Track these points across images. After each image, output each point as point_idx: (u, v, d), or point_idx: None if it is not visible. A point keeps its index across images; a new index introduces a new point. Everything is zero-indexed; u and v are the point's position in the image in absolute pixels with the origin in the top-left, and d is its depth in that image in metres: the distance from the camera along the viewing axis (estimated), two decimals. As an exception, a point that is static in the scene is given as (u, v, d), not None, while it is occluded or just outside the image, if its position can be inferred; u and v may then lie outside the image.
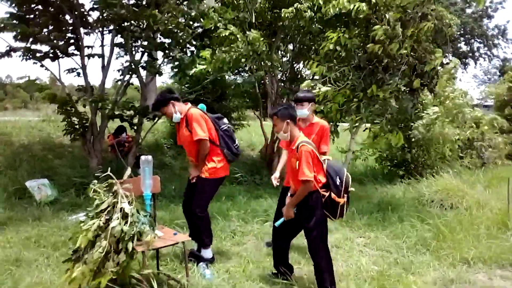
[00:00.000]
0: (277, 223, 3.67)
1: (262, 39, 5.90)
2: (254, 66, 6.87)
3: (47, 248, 4.41)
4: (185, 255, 3.57)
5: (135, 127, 7.11)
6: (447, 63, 7.58)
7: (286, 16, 6.40)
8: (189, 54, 7.62)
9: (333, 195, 3.35)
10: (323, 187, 3.40)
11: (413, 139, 7.98)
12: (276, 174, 4.34)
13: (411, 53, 5.07)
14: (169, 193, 6.67)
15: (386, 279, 3.90)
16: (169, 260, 4.15)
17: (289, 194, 3.64)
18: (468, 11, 27.95)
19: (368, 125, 5.78)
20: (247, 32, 5.63)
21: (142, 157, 3.56)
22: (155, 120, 7.41)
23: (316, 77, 6.97)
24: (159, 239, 3.29)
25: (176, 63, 7.36)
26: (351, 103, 5.31)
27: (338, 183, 3.37)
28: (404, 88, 5.12)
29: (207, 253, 4.12)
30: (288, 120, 3.42)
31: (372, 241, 5.04)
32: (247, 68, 6.93)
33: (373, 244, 4.92)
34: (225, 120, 4.28)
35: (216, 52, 5.93)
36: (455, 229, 5.05)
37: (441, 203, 6.15)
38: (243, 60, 6.01)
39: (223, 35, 5.63)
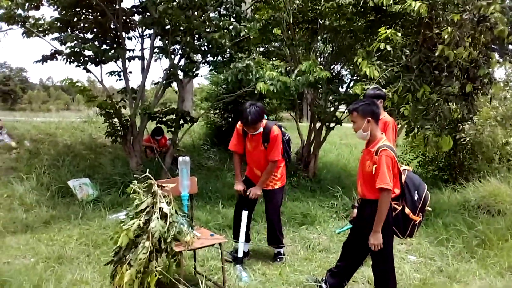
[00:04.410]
0: (338, 230, 3.58)
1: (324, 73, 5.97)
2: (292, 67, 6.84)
3: (88, 246, 4.52)
4: (222, 256, 3.54)
5: (173, 129, 7.22)
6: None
7: (327, 10, 6.28)
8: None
9: (407, 210, 3.06)
10: (395, 199, 3.10)
11: (458, 143, 7.64)
12: None
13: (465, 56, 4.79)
14: (205, 194, 6.71)
15: (429, 287, 3.75)
16: (205, 261, 4.16)
17: (356, 204, 3.32)
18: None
19: (417, 127, 5.55)
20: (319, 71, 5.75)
21: (180, 158, 3.59)
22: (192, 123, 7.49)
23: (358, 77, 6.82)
24: (197, 240, 3.28)
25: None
26: (397, 106, 5.11)
27: (416, 198, 3.07)
28: (456, 92, 4.86)
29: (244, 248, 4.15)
30: (370, 118, 3.09)
31: (415, 247, 4.87)
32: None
33: (416, 251, 4.76)
34: (284, 130, 4.41)
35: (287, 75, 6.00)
36: (503, 236, 4.80)
37: (488, 209, 5.84)
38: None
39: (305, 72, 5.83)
